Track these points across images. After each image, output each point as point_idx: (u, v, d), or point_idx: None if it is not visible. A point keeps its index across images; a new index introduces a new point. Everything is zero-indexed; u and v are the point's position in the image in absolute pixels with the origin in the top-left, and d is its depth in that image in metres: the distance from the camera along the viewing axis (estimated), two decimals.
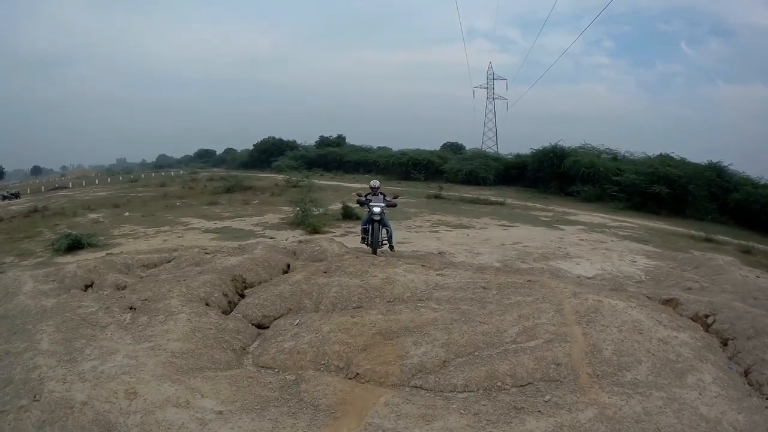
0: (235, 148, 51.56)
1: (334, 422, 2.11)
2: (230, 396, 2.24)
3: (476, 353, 2.83)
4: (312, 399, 2.33)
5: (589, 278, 4.87)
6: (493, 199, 14.62)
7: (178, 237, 10.75)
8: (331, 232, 9.59)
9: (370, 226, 6.10)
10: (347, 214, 10.61)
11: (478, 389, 2.45)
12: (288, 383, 2.59)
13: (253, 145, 41.20)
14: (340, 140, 35.69)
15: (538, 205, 14.00)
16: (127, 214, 14.40)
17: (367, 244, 6.25)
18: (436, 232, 8.62)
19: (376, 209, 6.02)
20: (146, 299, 3.78)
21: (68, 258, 6.88)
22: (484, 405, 2.27)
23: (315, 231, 9.35)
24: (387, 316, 3.54)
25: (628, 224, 11.11)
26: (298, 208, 10.64)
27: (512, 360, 2.66)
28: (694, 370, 2.50)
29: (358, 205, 6.62)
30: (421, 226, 9.38)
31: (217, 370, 2.61)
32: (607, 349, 2.73)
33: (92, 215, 13.11)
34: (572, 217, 11.36)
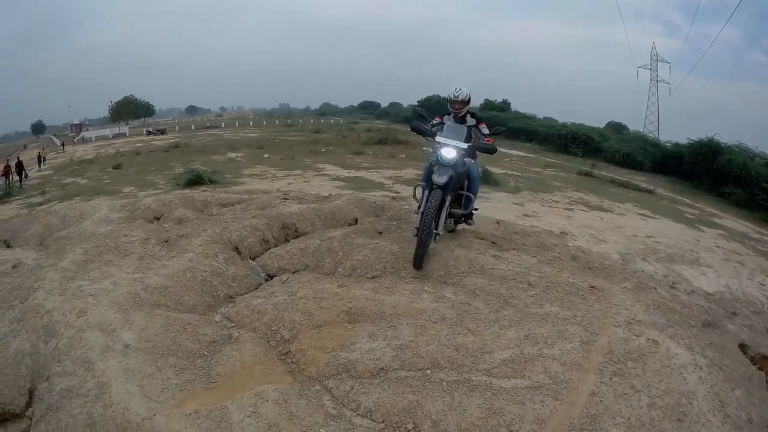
0: (400, 102, 58.71)
1: (200, 393, 2.36)
2: (151, 335, 2.79)
3: (428, 371, 2.55)
4: (215, 363, 2.63)
5: (708, 294, 4.51)
6: (643, 186, 15.76)
7: (304, 182, 13.06)
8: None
9: (426, 192, 3.94)
10: (485, 178, 11.00)
11: (382, 421, 2.24)
12: (221, 340, 2.99)
13: (418, 102, 46.11)
14: (504, 105, 39.41)
15: (686, 200, 14.95)
16: (266, 155, 17.91)
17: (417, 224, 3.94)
18: (571, 210, 8.90)
19: (447, 154, 3.86)
20: (181, 235, 4.85)
21: (187, 192, 9.30)
22: None
23: None
24: (374, 294, 3.54)
25: None
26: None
27: (456, 399, 2.30)
28: None
29: (415, 132, 4.29)
30: (557, 202, 9.61)
31: (172, 311, 3.25)
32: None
33: (232, 154, 16.93)
34: (716, 220, 11.97)
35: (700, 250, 7.08)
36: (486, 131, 4.29)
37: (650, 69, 50.18)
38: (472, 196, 4.39)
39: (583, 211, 9.07)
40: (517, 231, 5.68)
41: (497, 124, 4.61)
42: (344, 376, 2.59)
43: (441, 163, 3.91)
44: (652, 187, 15.56)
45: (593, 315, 3.01)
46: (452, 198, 4.12)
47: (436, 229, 3.91)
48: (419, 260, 3.89)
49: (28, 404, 2.34)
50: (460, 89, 4.31)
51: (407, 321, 3.07)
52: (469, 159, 4.10)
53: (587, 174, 16.44)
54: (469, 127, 4.30)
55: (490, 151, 4.18)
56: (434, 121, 4.41)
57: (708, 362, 2.55)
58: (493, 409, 2.21)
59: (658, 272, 4.75)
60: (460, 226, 4.95)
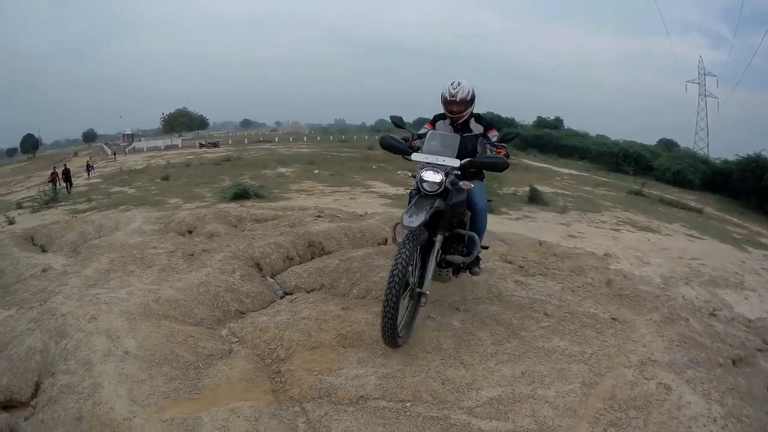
0: None
1: (181, 402, 2.58)
2: (152, 344, 3.09)
3: (408, 404, 2.60)
4: (205, 376, 2.86)
5: (749, 321, 4.46)
6: (692, 205, 16.75)
7: (351, 198, 13.72)
8: (506, 213, 11.22)
9: (404, 238, 2.82)
10: (533, 197, 11.94)
11: None
12: (220, 354, 3.24)
13: None
14: (557, 123, 43.34)
15: (734, 220, 15.76)
16: (316, 171, 18.89)
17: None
18: (618, 231, 9.12)
19: (431, 178, 2.94)
20: (206, 250, 5.27)
21: (231, 205, 10.02)
22: None
23: (489, 211, 10.80)
24: (377, 318, 3.61)
25: None
26: None
27: None
28: None
29: (387, 149, 3.34)
30: (605, 222, 9.96)
31: (179, 323, 3.57)
32: None
33: (282, 169, 18.00)
34: (764, 240, 12.31)
35: (745, 272, 7.18)
36: (491, 144, 3.35)
37: (698, 83, 53.67)
38: (476, 237, 3.32)
39: (630, 231, 9.27)
40: (557, 253, 5.65)
41: (505, 137, 3.42)
42: (324, 401, 2.70)
43: (426, 184, 2.97)
44: (700, 206, 16.60)
45: (604, 352, 2.91)
46: (447, 237, 3.22)
47: (421, 287, 2.97)
48: (389, 334, 2.80)
49: (34, 395, 2.72)
50: (459, 84, 3.34)
51: (401, 349, 3.13)
52: (467, 182, 3.08)
53: (637, 193, 17.35)
54: (474, 137, 3.44)
55: (499, 166, 3.09)
56: (422, 131, 3.51)
57: (725, 413, 2.38)
58: None
59: (699, 297, 4.66)
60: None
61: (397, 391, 2.70)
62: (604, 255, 6.39)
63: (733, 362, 3.15)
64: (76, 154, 45.13)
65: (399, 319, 2.85)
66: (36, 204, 14.50)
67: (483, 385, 2.66)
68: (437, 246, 3.04)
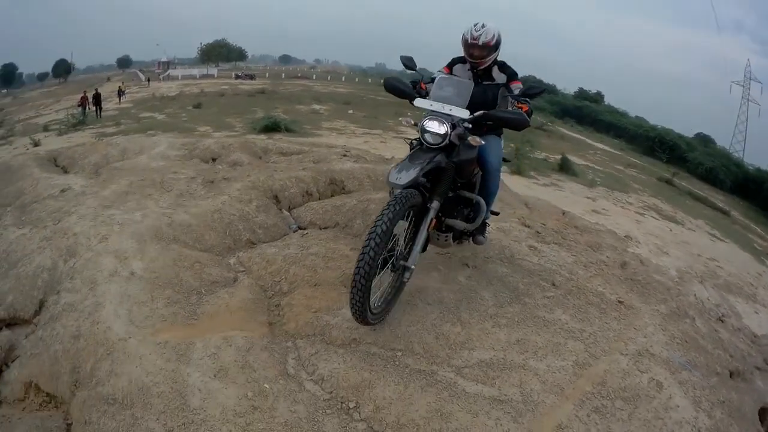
0: None
1: (178, 326, 2.63)
2: (158, 267, 3.12)
3: (398, 353, 2.54)
4: (205, 303, 2.89)
5: (755, 336, 4.24)
6: (719, 205, 16.88)
7: (381, 142, 13.55)
8: (534, 178, 11.43)
9: (390, 200, 2.37)
10: (564, 166, 12.30)
11: (329, 392, 2.30)
12: (224, 282, 3.24)
13: None
14: (598, 97, 44.01)
15: (759, 230, 15.70)
16: (350, 111, 18.48)
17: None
18: (642, 215, 9.27)
19: (435, 126, 2.55)
20: (226, 178, 5.22)
21: (260, 137, 9.95)
22: None
23: (517, 172, 11.19)
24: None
25: None
26: (512, 145, 12.57)
27: (409, 389, 2.27)
28: None
29: (391, 92, 2.86)
30: (631, 204, 10.12)
31: (188, 248, 3.57)
32: None
33: (316, 106, 17.68)
34: None
35: (760, 286, 7.05)
36: (513, 96, 2.88)
37: (743, 86, 52.97)
38: (482, 201, 2.92)
39: (654, 218, 9.21)
40: (577, 225, 5.37)
41: (531, 92, 2.84)
42: (317, 339, 2.68)
43: (427, 135, 2.59)
44: (728, 209, 16.62)
45: (604, 335, 2.77)
46: (450, 198, 2.84)
47: (406, 260, 2.54)
48: (358, 311, 2.37)
49: (37, 313, 2.80)
50: (483, 26, 2.88)
51: (401, 297, 3.02)
52: (477, 138, 2.64)
53: (667, 181, 17.40)
54: (496, 87, 3.00)
55: (517, 124, 2.62)
56: (435, 74, 3.06)
57: (711, 425, 2.26)
58: (441, 412, 2.17)
59: (711, 299, 4.37)
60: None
61: (391, 338, 2.64)
62: (625, 236, 6.32)
63: (731, 374, 3.02)
64: (108, 79, 45.37)
65: (377, 294, 2.55)
66: (63, 127, 14.78)
67: (476, 346, 2.58)
68: (431, 214, 2.61)
